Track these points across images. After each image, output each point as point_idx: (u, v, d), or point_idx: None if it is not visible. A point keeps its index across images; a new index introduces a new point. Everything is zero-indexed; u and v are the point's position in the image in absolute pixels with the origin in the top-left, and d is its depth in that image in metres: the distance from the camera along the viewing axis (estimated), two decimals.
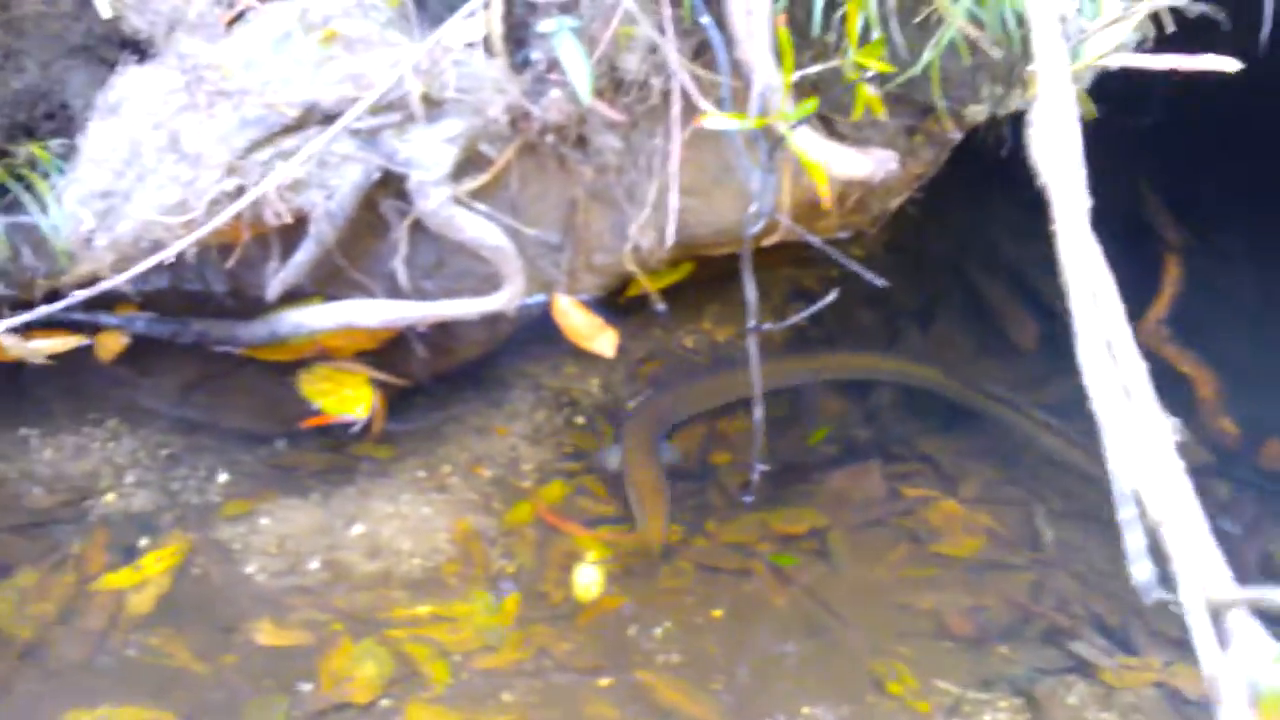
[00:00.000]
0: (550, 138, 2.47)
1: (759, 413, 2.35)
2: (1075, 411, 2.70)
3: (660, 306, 2.75)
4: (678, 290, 2.88)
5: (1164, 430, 1.43)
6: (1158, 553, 1.65)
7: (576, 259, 2.69)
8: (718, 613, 2.31)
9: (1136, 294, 2.84)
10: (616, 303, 2.81)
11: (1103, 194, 3.05)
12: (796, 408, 2.77)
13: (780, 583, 2.39)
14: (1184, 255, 2.91)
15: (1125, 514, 1.45)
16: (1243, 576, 2.25)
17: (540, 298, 2.77)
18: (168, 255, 1.83)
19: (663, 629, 2.28)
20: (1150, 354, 2.66)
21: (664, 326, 2.90)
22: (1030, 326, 2.88)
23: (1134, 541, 1.43)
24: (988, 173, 3.07)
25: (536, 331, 2.78)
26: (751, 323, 2.19)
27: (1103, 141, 2.75)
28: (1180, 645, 2.21)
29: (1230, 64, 1.52)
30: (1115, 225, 3.06)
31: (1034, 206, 3.08)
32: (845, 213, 2.79)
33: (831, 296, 2.31)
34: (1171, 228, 2.98)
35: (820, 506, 2.54)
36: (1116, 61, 1.61)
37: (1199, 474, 2.43)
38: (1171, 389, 2.62)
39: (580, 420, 2.73)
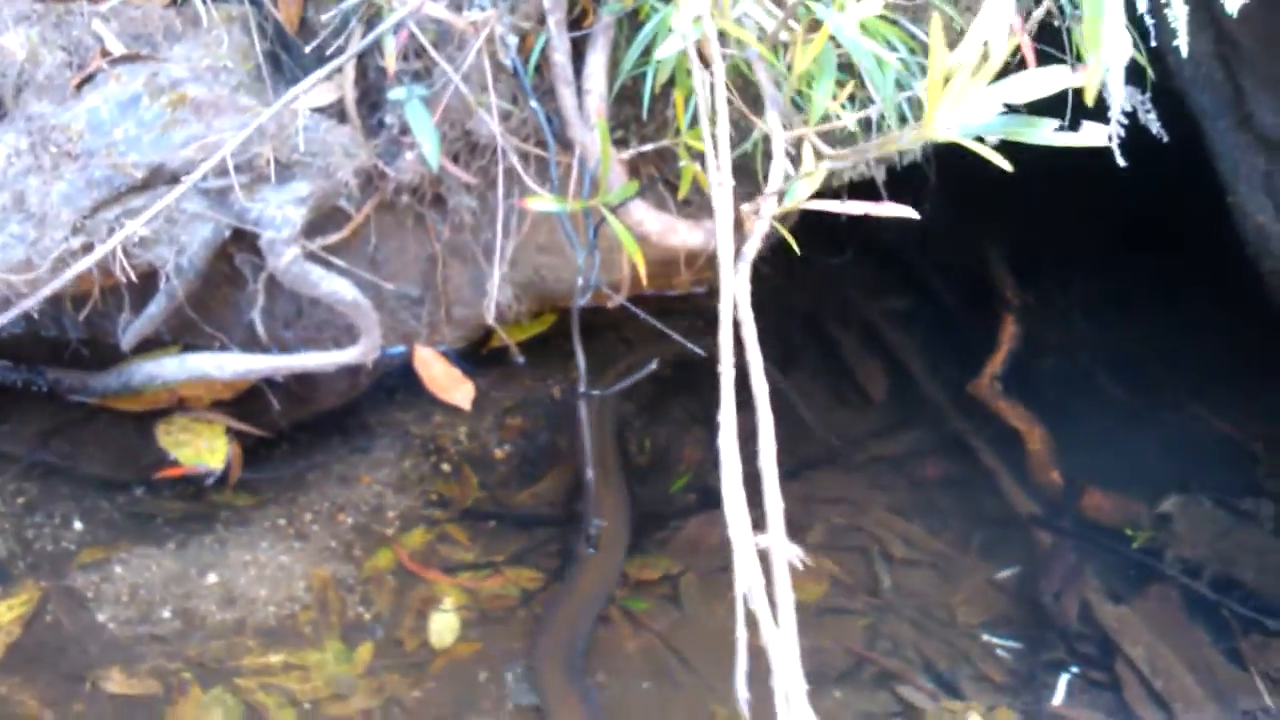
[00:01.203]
0: (406, 197, 2.54)
1: (590, 474, 2.44)
2: (918, 458, 2.92)
3: (519, 359, 2.83)
4: (543, 341, 2.96)
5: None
6: None
7: (437, 312, 2.76)
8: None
9: (978, 350, 3.08)
10: (480, 353, 2.88)
11: (951, 252, 3.28)
12: (658, 456, 2.87)
13: (633, 627, 2.47)
14: (1022, 314, 3.09)
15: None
16: (1064, 624, 2.45)
17: (401, 349, 2.82)
18: (10, 316, 1.85)
19: (513, 675, 2.34)
20: (984, 409, 2.89)
21: (531, 376, 2.98)
22: (880, 379, 3.03)
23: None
24: (841, 230, 3.25)
25: (402, 380, 2.83)
26: (582, 388, 2.30)
27: (950, 202, 2.95)
28: (1002, 690, 2.36)
29: (908, 211, 1.74)
30: (960, 285, 3.29)
31: (884, 263, 3.29)
32: (698, 270, 2.91)
33: (651, 365, 2.44)
34: (1011, 288, 3.16)
35: (675, 554, 2.63)
36: (811, 205, 1.80)
37: (1026, 525, 2.66)
38: (1004, 442, 2.83)
39: (447, 468, 2.78)
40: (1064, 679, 2.35)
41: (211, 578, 2.45)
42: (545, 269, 2.79)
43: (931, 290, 3.25)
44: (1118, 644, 2.37)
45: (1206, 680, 2.29)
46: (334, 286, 2.36)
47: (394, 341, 2.77)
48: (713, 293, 3.19)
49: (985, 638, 2.47)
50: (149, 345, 2.58)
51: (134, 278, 2.17)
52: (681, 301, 3.17)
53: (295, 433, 2.68)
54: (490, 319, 2.60)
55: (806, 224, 3.13)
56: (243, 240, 2.28)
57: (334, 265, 2.47)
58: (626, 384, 2.45)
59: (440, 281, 2.69)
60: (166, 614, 2.37)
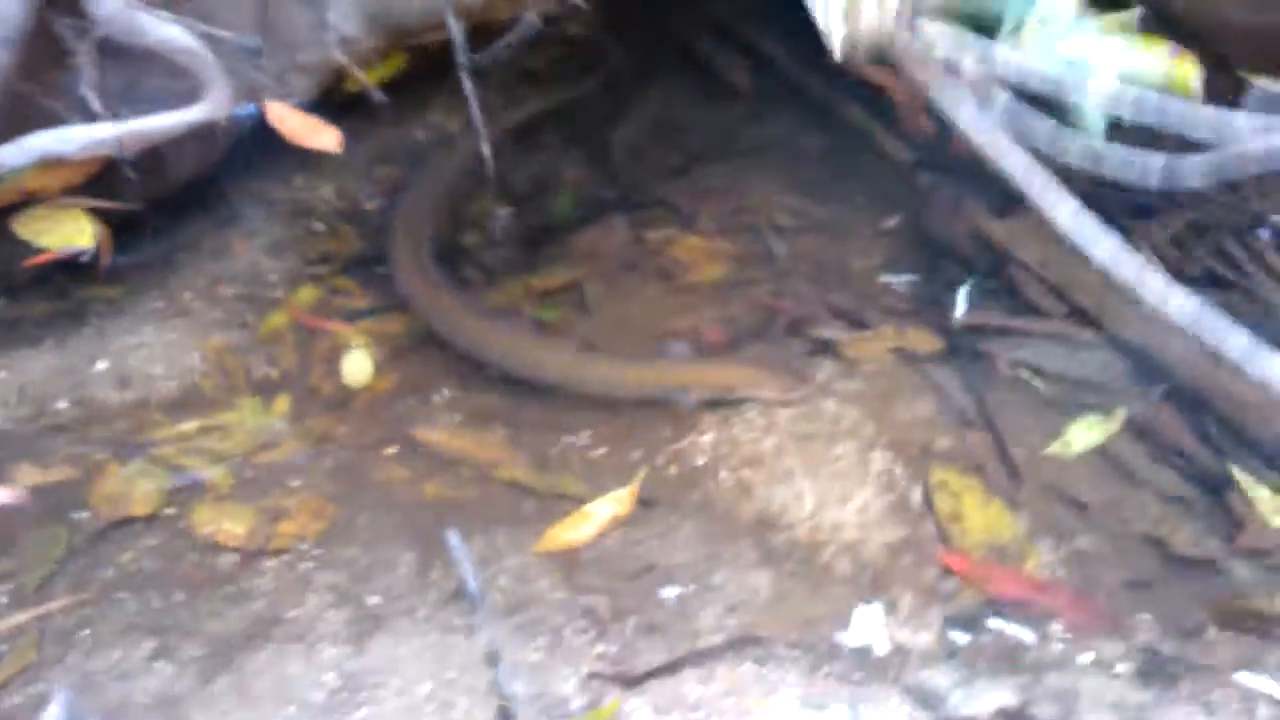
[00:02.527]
0: None
1: (486, 149, 2.40)
2: (793, 135, 2.94)
3: (380, 97, 2.69)
4: (398, 86, 2.81)
5: None
6: None
7: (282, 60, 2.59)
8: (490, 371, 2.36)
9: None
10: (335, 101, 2.73)
11: None
12: (538, 182, 2.82)
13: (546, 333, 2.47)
14: None
15: None
16: (955, 249, 2.54)
17: (251, 108, 2.65)
18: None
19: (441, 396, 2.32)
20: (847, 77, 2.91)
21: (391, 124, 2.86)
22: (743, 71, 3.01)
23: None
24: None
25: (257, 146, 2.67)
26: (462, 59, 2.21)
27: None
28: (907, 315, 2.45)
29: None
30: None
31: None
32: None
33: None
34: None
35: (573, 263, 2.62)
36: None
37: (905, 173, 2.73)
38: (872, 103, 2.87)
39: (320, 226, 2.67)
40: (962, 292, 2.45)
41: (101, 365, 2.33)
42: None
43: None
44: (1009, 252, 2.47)
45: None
46: (166, 33, 2.19)
47: (241, 100, 2.59)
48: (575, 17, 3.15)
49: (882, 279, 2.55)
50: None
51: None
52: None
53: (155, 214, 2.52)
54: (336, 52, 2.46)
55: None
56: (59, 3, 2.07)
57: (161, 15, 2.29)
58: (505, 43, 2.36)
59: (279, 24, 2.52)
60: (63, 405, 2.25)
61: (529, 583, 1.89)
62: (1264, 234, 2.44)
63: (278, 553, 1.96)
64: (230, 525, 2.00)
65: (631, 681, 1.69)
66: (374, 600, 1.86)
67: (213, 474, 2.12)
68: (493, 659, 1.67)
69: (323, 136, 2.59)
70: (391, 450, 2.19)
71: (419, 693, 1.67)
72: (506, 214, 2.61)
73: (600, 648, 1.76)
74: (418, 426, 2.22)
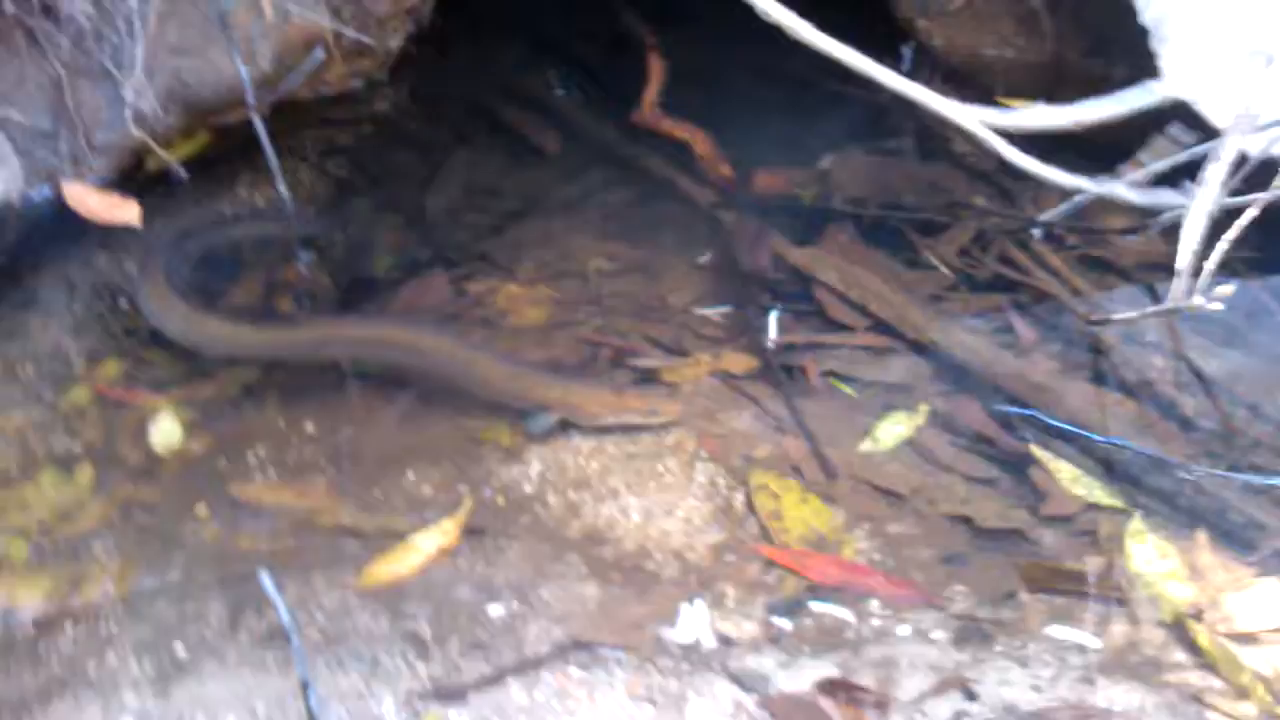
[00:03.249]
0: (10, 6, 2.32)
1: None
2: (603, 190, 3.04)
3: (182, 173, 2.68)
4: (203, 166, 2.81)
5: None
6: None
7: (76, 141, 2.55)
8: (310, 425, 2.31)
9: (634, 89, 3.22)
10: (138, 178, 2.69)
11: (587, 14, 3.40)
12: (355, 247, 2.82)
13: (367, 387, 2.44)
14: (662, 50, 3.26)
15: None
16: (762, 276, 2.65)
17: (46, 191, 2.59)
18: None
19: (254, 454, 2.25)
20: (652, 132, 3.05)
21: (198, 202, 2.83)
22: (551, 134, 3.11)
23: None
24: (482, 14, 3.30)
25: (57, 225, 2.61)
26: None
27: None
28: (724, 341, 2.52)
29: None
30: (605, 43, 3.43)
31: (533, 42, 3.38)
32: (348, 56, 2.86)
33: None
34: (648, 32, 3.31)
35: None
36: None
37: (710, 215, 2.84)
38: (676, 154, 3.00)
39: (125, 304, 2.61)
40: (773, 315, 2.54)
41: None
42: (186, 72, 2.64)
43: (582, 54, 3.36)
44: (812, 275, 2.59)
45: (892, 280, 2.56)
46: None
47: (36, 183, 2.54)
48: (378, 89, 3.20)
49: (699, 311, 2.62)
50: None
51: None
52: (338, 103, 3.11)
53: None
54: (134, 129, 2.43)
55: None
56: None
57: None
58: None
59: (72, 105, 2.49)
60: None
61: (348, 617, 1.82)
62: (1035, 233, 2.63)
63: (78, 616, 1.85)
64: (26, 592, 1.89)
65: (452, 695, 1.64)
66: (181, 650, 1.76)
67: (12, 549, 2.01)
68: (304, 689, 1.60)
69: (123, 212, 2.55)
70: (203, 510, 2.11)
71: None
72: (316, 273, 2.60)
73: (422, 668, 1.70)
74: (233, 484, 2.15)
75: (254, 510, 2.11)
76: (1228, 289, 2.11)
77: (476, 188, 3.03)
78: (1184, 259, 2.20)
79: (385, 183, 3.01)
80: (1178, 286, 2.18)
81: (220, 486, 2.16)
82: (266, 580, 1.83)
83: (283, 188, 2.60)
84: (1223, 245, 2.13)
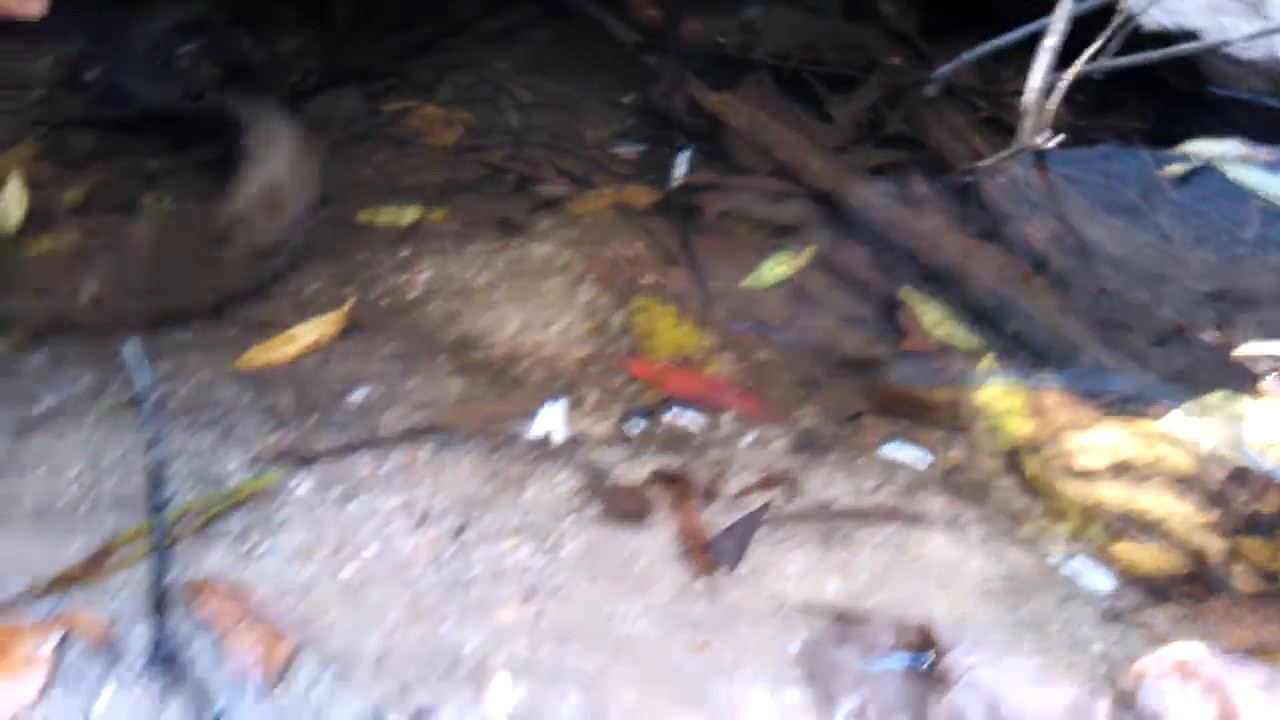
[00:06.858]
0: None
1: None
2: (530, 26, 3.02)
3: None
4: None
5: None
6: None
7: None
8: None
9: None
10: None
11: None
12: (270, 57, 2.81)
13: None
14: None
15: None
16: (675, 118, 2.66)
17: None
18: None
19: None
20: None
21: None
22: None
23: None
24: None
25: None
26: None
27: None
28: (632, 178, 2.55)
29: None
30: None
31: None
32: None
33: None
34: None
35: (304, 129, 2.63)
36: None
37: (635, 56, 2.84)
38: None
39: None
40: (682, 156, 2.57)
41: None
42: None
43: None
44: (723, 120, 2.61)
45: (799, 130, 2.59)
46: None
47: None
48: None
49: (613, 149, 2.65)
50: None
51: None
52: None
53: None
54: None
55: None
56: None
57: None
58: None
59: None
60: None
61: (214, 391, 1.89)
62: (930, 89, 2.65)
63: None
64: None
65: (299, 460, 1.71)
66: (39, 410, 1.82)
67: None
68: (152, 444, 1.66)
69: (29, 4, 2.53)
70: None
71: (68, 473, 1.66)
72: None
73: (274, 438, 1.77)
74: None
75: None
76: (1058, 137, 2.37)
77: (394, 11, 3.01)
78: (1029, 99, 2.32)
79: None
80: (1024, 128, 2.30)
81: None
82: (131, 351, 1.89)
83: None
84: (1062, 84, 2.31)
